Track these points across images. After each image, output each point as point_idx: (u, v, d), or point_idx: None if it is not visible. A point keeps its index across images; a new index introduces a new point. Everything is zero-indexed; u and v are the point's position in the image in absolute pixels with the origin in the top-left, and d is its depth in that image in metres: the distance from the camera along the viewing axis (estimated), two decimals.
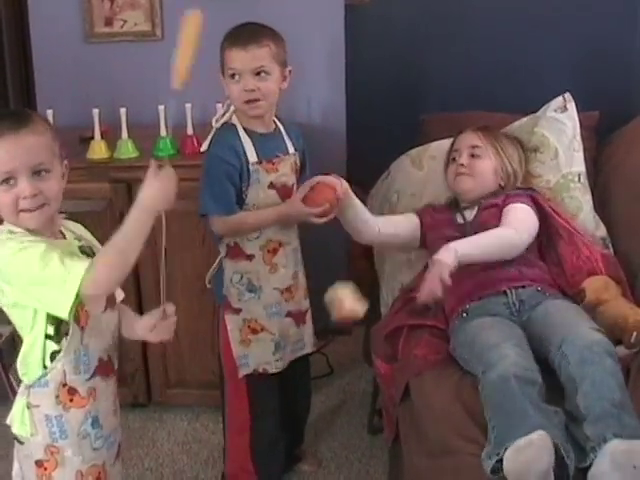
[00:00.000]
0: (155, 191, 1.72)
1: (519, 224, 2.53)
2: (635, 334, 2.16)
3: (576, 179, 2.75)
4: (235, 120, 2.47)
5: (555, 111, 2.81)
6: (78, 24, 3.44)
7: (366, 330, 3.05)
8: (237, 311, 2.54)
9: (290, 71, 2.47)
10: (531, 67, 3.85)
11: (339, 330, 3.76)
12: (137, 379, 3.15)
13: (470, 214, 2.63)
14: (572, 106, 2.81)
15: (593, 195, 2.79)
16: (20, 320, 1.83)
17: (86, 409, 1.88)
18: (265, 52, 2.37)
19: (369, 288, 3.10)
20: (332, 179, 2.46)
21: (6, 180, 1.73)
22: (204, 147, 2.55)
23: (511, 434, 1.89)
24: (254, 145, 2.44)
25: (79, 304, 1.77)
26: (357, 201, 2.57)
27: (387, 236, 2.67)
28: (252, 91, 2.37)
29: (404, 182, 2.92)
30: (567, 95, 2.83)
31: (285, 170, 2.49)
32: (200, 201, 2.45)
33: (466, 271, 2.46)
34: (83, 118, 3.10)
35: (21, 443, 1.91)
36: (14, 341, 2.79)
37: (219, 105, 2.57)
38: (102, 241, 1.81)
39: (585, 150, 2.82)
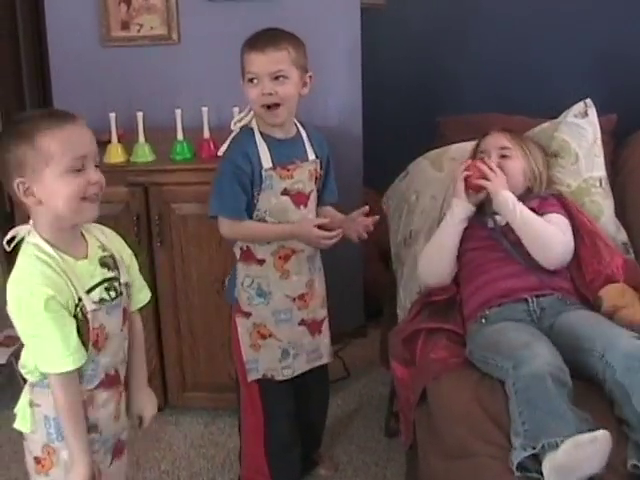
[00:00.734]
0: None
1: (564, 235, 2.52)
2: None
3: (597, 184, 2.73)
4: (254, 124, 2.46)
5: (575, 116, 2.79)
6: (95, 28, 3.45)
7: (382, 333, 3.05)
8: (247, 315, 2.54)
9: (311, 77, 2.45)
10: (547, 69, 3.84)
11: (355, 333, 3.77)
12: (154, 382, 3.13)
13: (502, 218, 2.61)
14: (593, 112, 2.79)
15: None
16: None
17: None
18: (283, 56, 2.36)
19: (385, 290, 3.11)
20: None
21: (76, 169, 1.75)
22: (221, 150, 2.54)
23: (548, 432, 1.88)
24: (270, 150, 2.42)
25: (99, 329, 1.82)
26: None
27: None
28: (270, 95, 2.35)
29: (423, 183, 2.90)
30: (588, 101, 2.81)
31: (301, 177, 2.47)
32: (209, 203, 2.46)
33: (486, 278, 2.46)
34: (100, 122, 3.11)
35: (24, 439, 1.93)
36: None
37: (236, 109, 2.57)
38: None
39: (603, 154, 2.79)
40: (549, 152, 2.76)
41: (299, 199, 2.47)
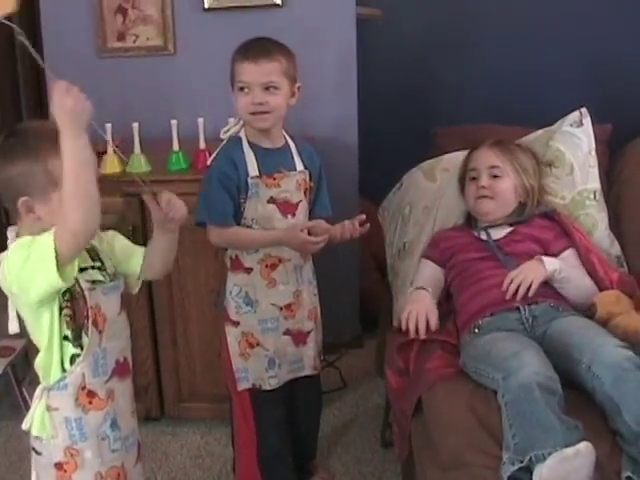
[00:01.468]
0: (65, 112, 1.70)
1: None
2: None
3: (592, 196, 2.74)
4: (242, 134, 2.49)
5: (571, 125, 2.80)
6: (91, 39, 3.47)
7: (379, 344, 3.05)
8: (236, 324, 2.55)
9: (299, 87, 2.48)
10: (542, 80, 3.85)
11: (352, 344, 3.77)
12: (150, 393, 3.15)
13: (496, 233, 2.62)
14: (588, 121, 2.79)
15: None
16: (36, 324, 1.84)
17: (105, 411, 1.91)
18: (275, 67, 2.38)
19: (381, 301, 3.11)
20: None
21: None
22: (210, 160, 2.56)
23: (535, 444, 1.88)
24: (257, 159, 2.45)
25: (95, 308, 1.84)
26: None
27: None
28: (260, 104, 2.38)
29: (416, 195, 2.90)
30: (583, 110, 2.81)
31: (288, 186, 2.48)
32: (197, 210, 2.47)
33: (478, 287, 2.47)
34: (95, 133, 3.11)
35: (38, 454, 1.92)
36: (27, 355, 2.81)
37: (231, 119, 2.58)
38: None
39: (598, 164, 2.80)
40: (543, 160, 2.76)
41: (286, 208, 2.48)
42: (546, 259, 2.43)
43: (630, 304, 2.40)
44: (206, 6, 3.40)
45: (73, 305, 1.83)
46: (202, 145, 3.01)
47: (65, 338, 1.84)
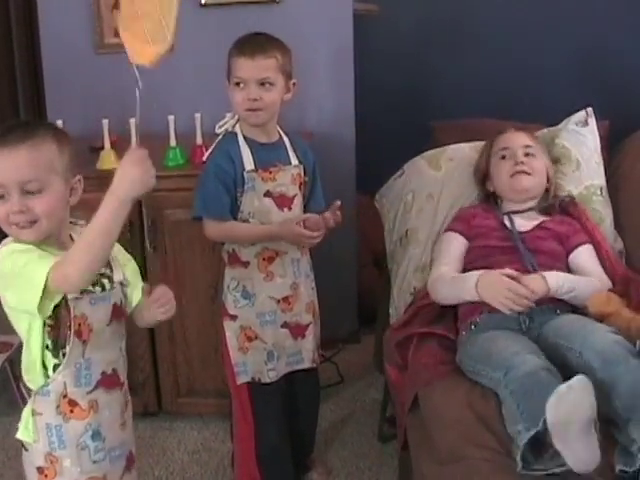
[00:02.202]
0: (130, 177, 1.65)
1: (601, 271, 2.53)
2: (639, 342, 2.15)
3: (598, 192, 2.76)
4: (237, 129, 2.50)
5: (576, 124, 2.83)
6: (88, 35, 3.46)
7: (376, 338, 3.05)
8: (234, 317, 2.55)
9: (294, 83, 2.49)
10: (541, 75, 3.86)
11: (349, 339, 3.77)
12: (147, 388, 3.15)
13: (520, 222, 2.61)
14: (593, 121, 2.83)
15: None
16: (17, 326, 1.83)
17: (86, 421, 1.87)
18: (271, 63, 2.39)
19: (378, 296, 3.11)
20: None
21: (1, 195, 1.73)
22: (206, 155, 2.57)
23: (544, 409, 1.87)
24: (252, 153, 2.46)
25: (80, 318, 1.80)
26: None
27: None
28: (255, 100, 2.39)
29: (420, 182, 2.89)
30: (589, 110, 2.84)
31: (284, 180, 2.50)
32: (193, 204, 2.49)
33: None
34: (93, 128, 3.12)
35: (26, 450, 1.91)
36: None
37: (228, 115, 2.59)
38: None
39: None
40: (550, 157, 2.77)
41: (282, 201, 2.49)
42: (549, 277, 2.39)
43: (621, 303, 2.39)
44: (203, 2, 3.39)
45: (56, 314, 1.79)
46: (199, 140, 3.01)
47: (46, 347, 1.81)
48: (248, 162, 2.45)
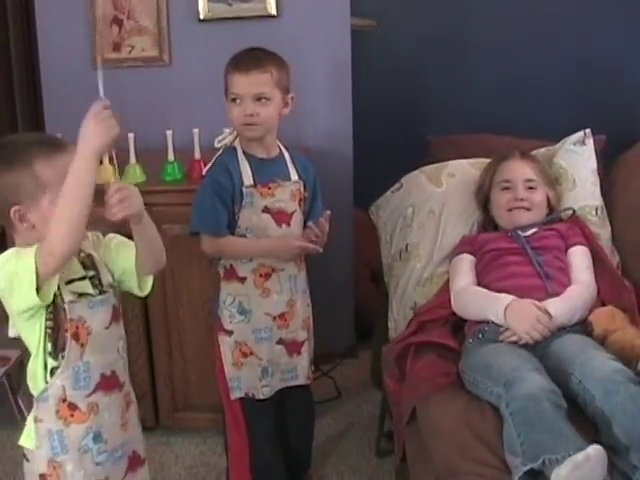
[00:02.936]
0: (91, 134, 1.71)
1: (589, 275, 2.55)
2: None
3: (593, 212, 2.77)
4: (237, 144, 2.51)
5: (574, 144, 2.85)
6: (86, 50, 3.47)
7: (373, 353, 3.05)
8: (229, 333, 2.55)
9: (292, 98, 2.49)
10: (536, 90, 3.88)
11: (346, 354, 3.77)
12: (145, 403, 3.14)
13: (525, 230, 2.64)
14: (590, 141, 2.85)
15: None
16: (27, 335, 1.84)
17: (87, 424, 1.88)
18: (267, 78, 2.39)
19: (375, 311, 3.11)
20: None
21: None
22: (205, 170, 2.57)
23: (546, 449, 1.88)
24: (251, 169, 2.46)
25: (78, 321, 1.82)
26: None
27: None
28: (251, 116, 2.40)
29: (421, 197, 2.89)
30: (587, 131, 2.86)
31: (283, 196, 2.49)
32: (191, 220, 2.49)
33: (502, 285, 2.48)
34: None
35: (27, 460, 1.92)
36: (22, 365, 2.81)
37: (226, 130, 2.59)
38: None
39: None
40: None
41: (280, 217, 2.49)
42: (549, 305, 2.40)
43: (624, 319, 2.39)
44: (201, 17, 3.41)
45: (55, 318, 1.82)
46: (197, 155, 3.02)
47: (48, 353, 1.83)
48: (247, 177, 2.45)
